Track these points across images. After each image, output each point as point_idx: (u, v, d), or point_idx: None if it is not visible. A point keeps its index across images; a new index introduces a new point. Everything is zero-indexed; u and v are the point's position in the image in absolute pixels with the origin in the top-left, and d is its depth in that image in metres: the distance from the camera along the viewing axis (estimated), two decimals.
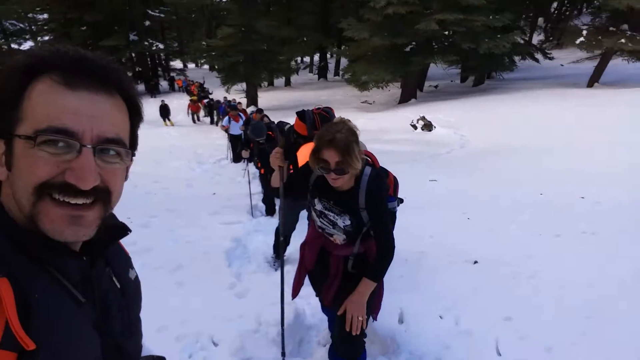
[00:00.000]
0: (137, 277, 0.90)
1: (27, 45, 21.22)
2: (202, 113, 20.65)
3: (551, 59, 22.27)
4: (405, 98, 18.50)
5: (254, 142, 5.71)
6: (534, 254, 3.73)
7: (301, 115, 3.89)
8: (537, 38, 26.86)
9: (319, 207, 2.06)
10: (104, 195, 0.66)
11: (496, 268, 3.55)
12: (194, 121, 20.05)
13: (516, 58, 20.56)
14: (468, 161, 8.68)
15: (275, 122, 5.89)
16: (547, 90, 14.68)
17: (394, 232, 2.11)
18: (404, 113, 15.09)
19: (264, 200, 6.08)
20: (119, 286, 0.81)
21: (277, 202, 6.15)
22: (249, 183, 6.43)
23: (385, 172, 2.40)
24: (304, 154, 3.41)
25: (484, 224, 4.69)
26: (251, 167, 7.49)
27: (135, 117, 0.72)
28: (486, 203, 5.50)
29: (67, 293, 0.66)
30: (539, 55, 21.94)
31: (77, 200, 0.62)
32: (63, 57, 0.62)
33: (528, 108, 12.33)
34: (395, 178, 2.57)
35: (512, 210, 5.07)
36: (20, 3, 22.14)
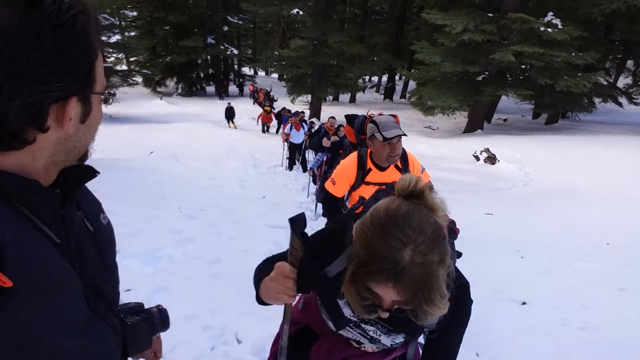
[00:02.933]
0: (109, 222, 0.91)
1: (115, 39, 23.21)
2: (273, 123, 19.43)
3: (637, 104, 20.72)
4: (471, 128, 17.88)
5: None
6: (590, 305, 3.40)
7: (350, 119, 3.28)
8: (623, 81, 25.14)
9: (350, 314, 1.26)
10: None
11: (545, 312, 3.27)
12: (263, 131, 19.16)
13: (596, 100, 19.33)
14: (530, 199, 8.21)
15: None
16: (629, 136, 13.60)
17: None
18: (467, 143, 14.60)
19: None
20: (92, 229, 0.81)
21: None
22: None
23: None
24: (340, 171, 2.67)
25: (538, 265, 4.37)
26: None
27: None
28: (543, 244, 5.13)
29: (42, 233, 0.67)
30: (622, 99, 20.50)
31: None
32: (99, 28, 0.72)
33: (604, 153, 11.49)
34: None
35: (572, 255, 4.70)
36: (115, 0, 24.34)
